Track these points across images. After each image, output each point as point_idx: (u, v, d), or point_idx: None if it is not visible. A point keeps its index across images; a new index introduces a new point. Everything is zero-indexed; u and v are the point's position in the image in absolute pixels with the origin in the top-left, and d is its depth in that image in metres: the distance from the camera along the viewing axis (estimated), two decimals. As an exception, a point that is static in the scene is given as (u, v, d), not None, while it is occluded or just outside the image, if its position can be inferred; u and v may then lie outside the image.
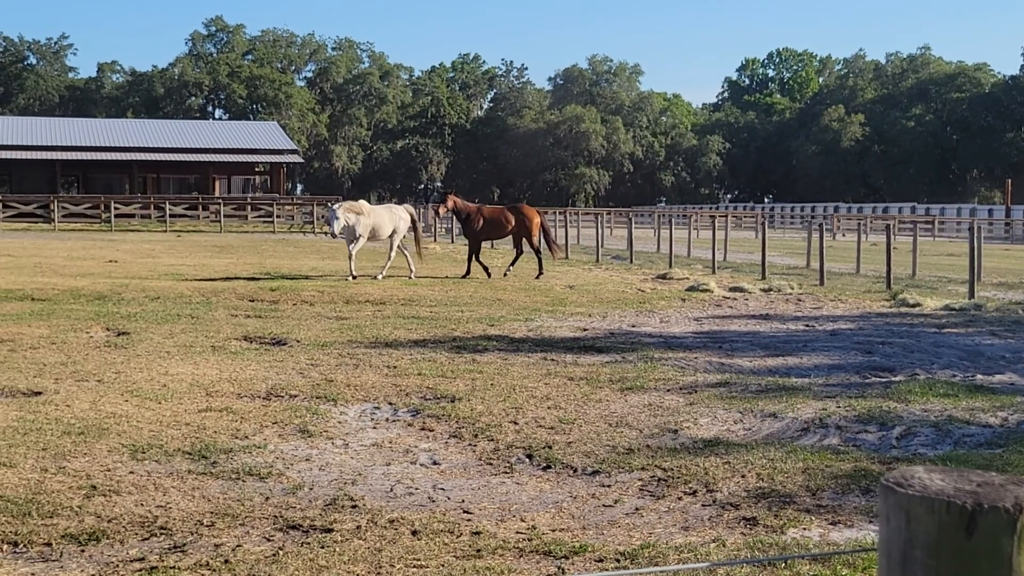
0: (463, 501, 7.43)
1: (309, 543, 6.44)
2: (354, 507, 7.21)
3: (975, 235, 24.36)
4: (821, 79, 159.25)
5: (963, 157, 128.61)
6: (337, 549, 6.33)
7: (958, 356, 14.85)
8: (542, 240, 29.63)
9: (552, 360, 13.93)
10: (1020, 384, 12.51)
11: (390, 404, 10.87)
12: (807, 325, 18.66)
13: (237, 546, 6.39)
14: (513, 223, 29.28)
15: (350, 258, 26.95)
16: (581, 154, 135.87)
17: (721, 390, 11.79)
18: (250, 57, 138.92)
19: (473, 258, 28.99)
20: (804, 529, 6.86)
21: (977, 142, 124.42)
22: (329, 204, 31.49)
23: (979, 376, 13.04)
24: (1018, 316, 20.19)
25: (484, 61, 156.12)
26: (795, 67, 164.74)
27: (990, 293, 25.11)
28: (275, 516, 6.97)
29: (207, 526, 6.76)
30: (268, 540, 6.52)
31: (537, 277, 27.75)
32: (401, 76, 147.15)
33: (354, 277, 26.22)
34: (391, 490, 7.71)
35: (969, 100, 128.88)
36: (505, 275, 28.45)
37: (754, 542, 6.54)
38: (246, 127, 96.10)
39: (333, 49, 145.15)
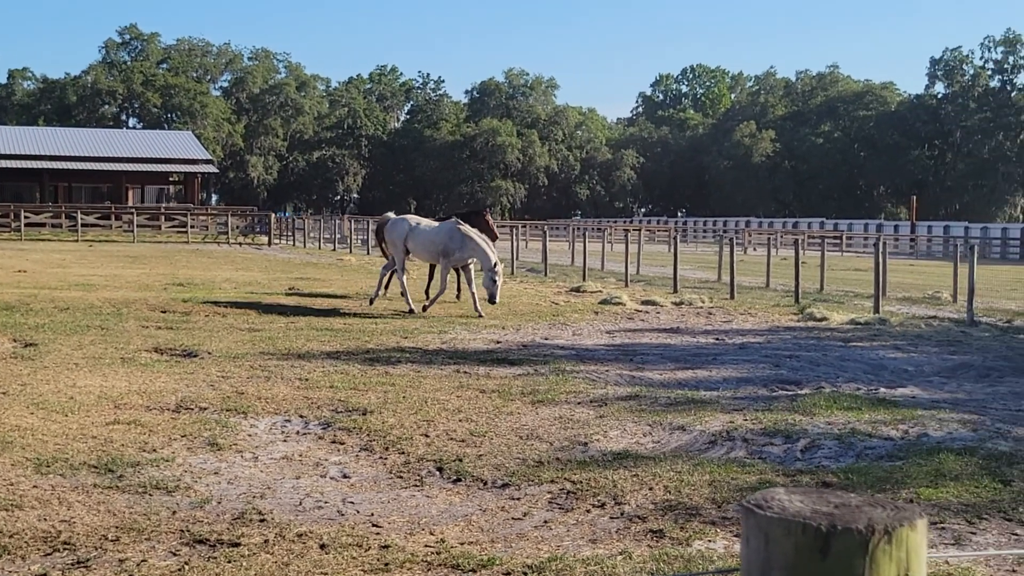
0: (373, 514, 7.43)
1: (215, 557, 6.41)
2: (262, 521, 7.18)
3: (880, 251, 24.84)
4: (733, 95, 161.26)
5: (870, 174, 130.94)
6: (244, 563, 6.30)
7: (863, 370, 15.14)
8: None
9: (465, 372, 13.97)
10: (922, 397, 12.79)
11: (301, 417, 10.83)
12: (717, 339, 18.89)
13: (142, 561, 6.34)
14: None
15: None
16: (497, 167, 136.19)
17: (631, 403, 11.91)
18: (165, 66, 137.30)
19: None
20: (709, 541, 6.96)
21: (884, 159, 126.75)
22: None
23: (882, 389, 13.32)
24: (921, 330, 20.63)
25: (401, 73, 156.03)
26: (708, 83, 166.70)
27: (895, 308, 25.61)
28: (181, 530, 6.92)
29: (112, 541, 6.70)
30: (174, 555, 6.47)
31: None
32: (318, 87, 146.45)
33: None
34: (300, 503, 7.69)
35: (876, 118, 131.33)
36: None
37: (660, 554, 6.63)
38: (160, 136, 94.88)
39: (249, 59, 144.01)
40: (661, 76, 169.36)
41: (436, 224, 23.45)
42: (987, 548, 6.94)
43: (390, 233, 23.66)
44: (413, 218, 24.05)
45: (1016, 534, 7.27)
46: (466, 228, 22.70)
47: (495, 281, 21.74)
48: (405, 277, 23.63)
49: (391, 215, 25.00)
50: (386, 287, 25.32)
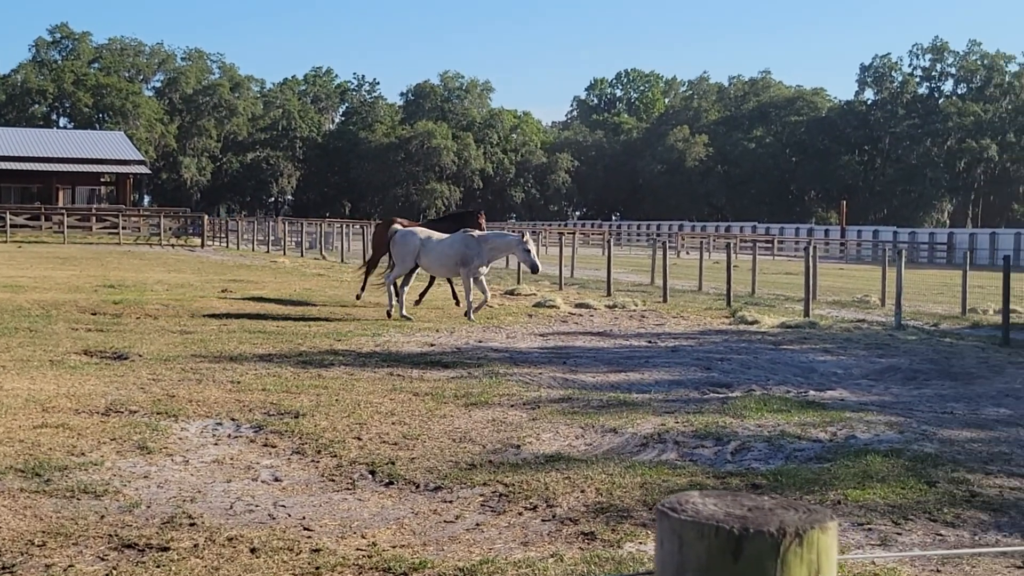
0: (304, 518, 7.40)
1: (144, 562, 6.36)
2: (192, 525, 7.13)
3: (811, 255, 25.14)
4: (667, 100, 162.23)
5: (801, 178, 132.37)
6: (173, 568, 6.26)
7: (793, 372, 15.31)
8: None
9: (398, 375, 13.96)
10: (850, 400, 12.97)
11: (233, 420, 10.76)
12: (649, 341, 19.02)
13: (69, 566, 6.27)
14: None
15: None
16: (432, 169, 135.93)
17: (564, 405, 11.96)
18: (96, 65, 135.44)
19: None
20: (640, 543, 7.01)
21: (815, 164, 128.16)
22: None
23: (812, 392, 13.49)
24: (850, 334, 20.90)
25: (336, 75, 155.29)
26: (642, 88, 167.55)
27: (825, 311, 25.92)
28: (110, 535, 6.85)
29: (38, 546, 6.62)
30: (102, 560, 6.41)
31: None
32: (252, 88, 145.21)
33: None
34: (231, 507, 7.64)
35: (807, 123, 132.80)
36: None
37: (591, 556, 6.67)
38: (92, 136, 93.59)
39: (183, 59, 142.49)
40: (596, 80, 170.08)
41: (446, 236, 22.84)
42: (912, 548, 7.05)
43: (399, 247, 22.82)
44: (422, 231, 23.27)
45: (941, 534, 7.39)
46: (478, 233, 22.62)
47: (529, 251, 21.79)
48: (407, 287, 23.16)
49: (398, 225, 24.00)
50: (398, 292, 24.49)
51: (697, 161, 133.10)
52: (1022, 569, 6.69)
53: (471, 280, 22.12)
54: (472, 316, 21.88)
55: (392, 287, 22.73)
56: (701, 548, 1.63)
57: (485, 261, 22.15)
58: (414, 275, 23.26)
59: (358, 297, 25.52)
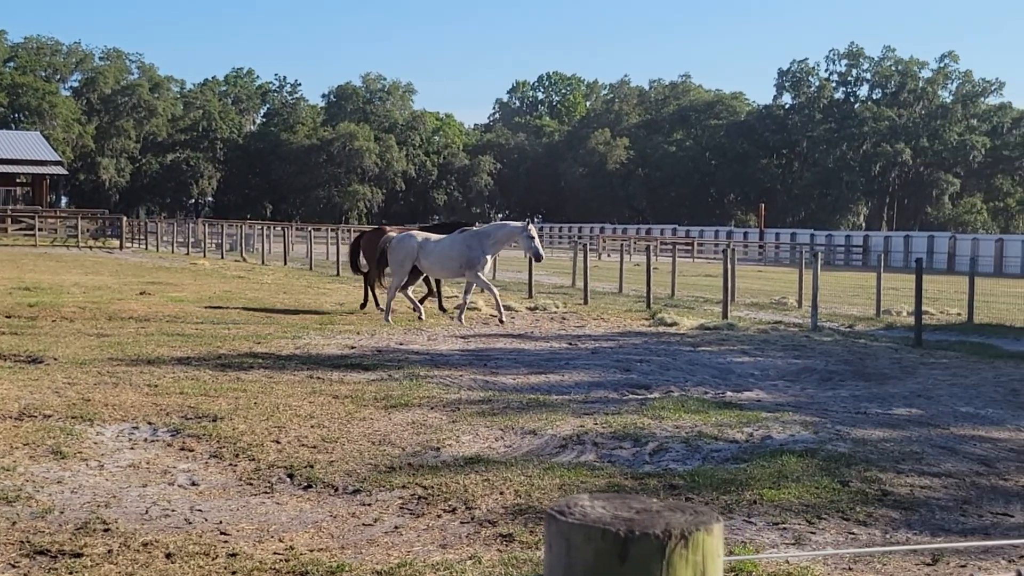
0: (221, 522, 7.35)
1: (57, 569, 6.28)
2: (107, 530, 7.05)
3: (729, 257, 25.42)
4: (588, 103, 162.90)
5: (721, 181, 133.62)
6: (86, 574, 6.19)
7: (711, 374, 15.48)
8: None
9: (318, 378, 13.90)
10: (766, 401, 13.14)
11: (150, 424, 10.65)
12: (570, 343, 19.10)
13: (-19, 573, 6.17)
14: None
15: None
16: (354, 171, 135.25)
17: (484, 407, 11.99)
18: (12, 64, 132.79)
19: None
20: (558, 543, 7.03)
21: (734, 167, 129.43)
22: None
23: (729, 393, 13.64)
24: (767, 335, 21.16)
25: (258, 76, 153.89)
26: (564, 91, 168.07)
27: (743, 313, 26.22)
28: (22, 541, 6.76)
29: (-51, 553, 6.51)
30: (13, 567, 6.32)
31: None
32: (172, 89, 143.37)
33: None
34: (146, 512, 7.57)
35: (726, 127, 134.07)
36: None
37: (509, 558, 6.69)
38: (6, 137, 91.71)
39: (101, 59, 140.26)
40: (518, 83, 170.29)
41: (444, 237, 22.59)
42: (826, 547, 7.16)
43: (396, 252, 22.46)
44: (419, 233, 23.00)
45: (853, 533, 7.52)
46: (477, 229, 22.43)
47: (532, 238, 21.69)
48: (411, 291, 23.00)
49: (392, 233, 23.68)
50: (422, 300, 23.96)
51: (618, 164, 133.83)
52: (932, 566, 6.83)
53: (481, 278, 21.96)
54: (463, 319, 21.90)
55: (407, 294, 22.64)
56: (588, 551, 1.63)
57: (488, 258, 22.09)
58: (419, 277, 23.10)
59: (362, 307, 24.61)
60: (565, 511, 1.66)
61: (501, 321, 21.83)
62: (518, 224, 22.31)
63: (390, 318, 22.09)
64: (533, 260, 23.36)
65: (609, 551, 1.62)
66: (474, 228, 22.63)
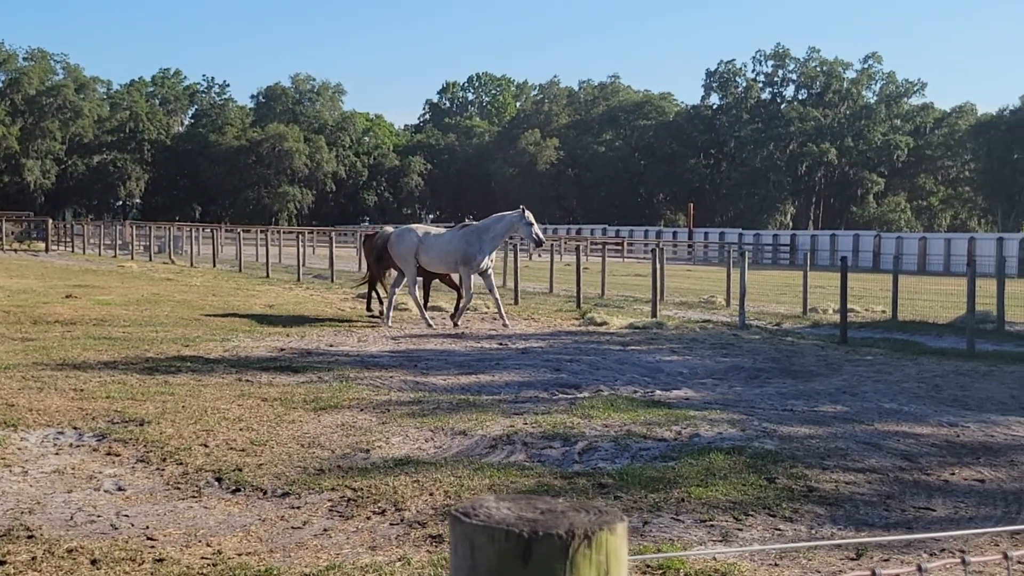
0: (147, 527, 7.29)
1: (-20, 576, 6.19)
2: (30, 537, 6.96)
3: (657, 257, 25.59)
4: (518, 104, 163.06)
5: (650, 181, 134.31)
6: (11, 581, 6.11)
7: (640, 373, 15.59)
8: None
9: (247, 381, 13.81)
10: (695, 399, 13.26)
11: (75, 429, 10.52)
12: (500, 344, 19.14)
13: (-100, 583, 6.08)
14: None
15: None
16: (284, 172, 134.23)
17: (414, 408, 11.98)
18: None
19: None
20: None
21: (663, 167, 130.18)
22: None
23: (658, 392, 13.75)
24: (696, 334, 21.35)
25: (185, 77, 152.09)
26: (494, 91, 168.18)
27: (672, 312, 26.42)
28: (-56, 550, 6.65)
29: None
30: (-65, 575, 6.23)
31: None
32: (98, 90, 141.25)
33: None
34: (71, 518, 7.48)
35: (655, 127, 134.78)
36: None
37: (438, 559, 6.70)
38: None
39: (24, 59, 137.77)
40: (448, 83, 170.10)
41: (445, 232, 22.42)
42: (752, 543, 7.24)
43: (397, 247, 22.21)
44: (419, 228, 22.73)
45: (779, 529, 7.62)
46: (477, 224, 22.20)
47: (531, 224, 21.62)
48: (419, 292, 22.68)
49: (389, 228, 23.16)
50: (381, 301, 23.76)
51: (548, 164, 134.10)
52: (856, 560, 6.93)
53: (470, 279, 21.85)
54: (459, 322, 21.70)
55: (415, 297, 22.43)
56: (492, 552, 1.63)
57: (488, 252, 21.86)
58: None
59: (368, 309, 24.43)
60: (470, 513, 1.66)
61: (456, 326, 21.63)
62: (514, 212, 22.10)
63: (391, 320, 21.98)
64: (533, 246, 23.03)
65: (513, 552, 1.62)
66: (475, 224, 22.47)
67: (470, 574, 1.64)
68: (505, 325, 21.71)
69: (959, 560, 2.05)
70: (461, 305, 22.35)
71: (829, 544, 7.09)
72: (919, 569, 1.95)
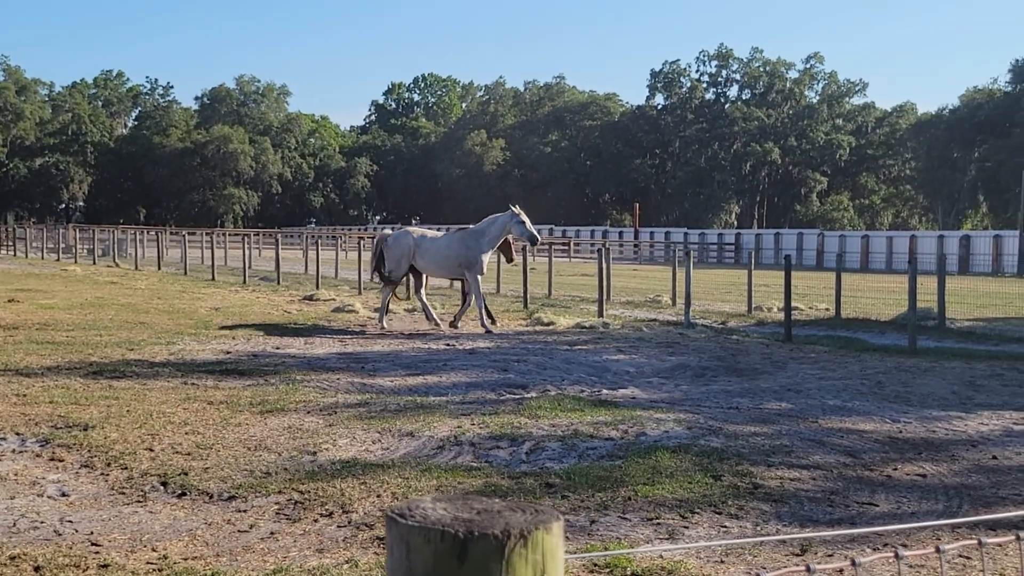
0: (92, 533, 7.23)
1: (-79, 585, 6.12)
2: (-27, 545, 6.88)
3: (604, 257, 25.69)
4: (464, 104, 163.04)
5: (596, 182, 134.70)
6: (-47, 590, 6.05)
7: (587, 372, 15.65)
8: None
9: (193, 384, 13.72)
10: (641, 398, 13.33)
11: (17, 434, 10.41)
12: (447, 344, 19.14)
13: None
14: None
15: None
16: (229, 174, 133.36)
17: (361, 410, 11.96)
18: None
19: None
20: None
21: (609, 168, 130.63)
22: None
23: (605, 391, 13.81)
24: (642, 333, 21.45)
25: (128, 78, 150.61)
26: (439, 92, 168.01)
27: (618, 311, 26.54)
28: None
29: None
30: None
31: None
32: (40, 91, 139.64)
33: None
34: (14, 525, 7.40)
35: (601, 128, 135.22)
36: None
37: (386, 562, 6.68)
38: None
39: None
40: (393, 84, 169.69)
41: (442, 235, 22.20)
42: (698, 541, 7.30)
43: (392, 249, 21.90)
44: (415, 230, 22.38)
45: (725, 526, 7.68)
46: (473, 228, 22.01)
47: (524, 222, 21.44)
48: (424, 293, 22.44)
49: (388, 231, 22.99)
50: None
51: (495, 165, 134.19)
52: (800, 556, 7.01)
53: (478, 281, 21.67)
54: (491, 325, 21.36)
55: (422, 300, 22.23)
56: (427, 553, 1.64)
57: (488, 254, 21.79)
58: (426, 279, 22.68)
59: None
60: (406, 514, 1.66)
61: (488, 330, 21.19)
62: (506, 213, 21.97)
63: (386, 322, 21.84)
64: (528, 244, 22.62)
65: (448, 553, 1.63)
66: (471, 227, 22.34)
67: (406, 575, 1.65)
68: (457, 328, 21.62)
69: (893, 554, 2.09)
70: (467, 309, 22.28)
71: (774, 541, 7.18)
72: (853, 563, 1.98)
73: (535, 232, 21.65)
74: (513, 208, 21.73)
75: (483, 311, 21.64)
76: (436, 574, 1.63)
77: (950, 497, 8.57)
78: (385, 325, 21.83)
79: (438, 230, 24.52)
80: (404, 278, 22.42)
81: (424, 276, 22.45)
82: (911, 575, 6.66)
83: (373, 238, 29.42)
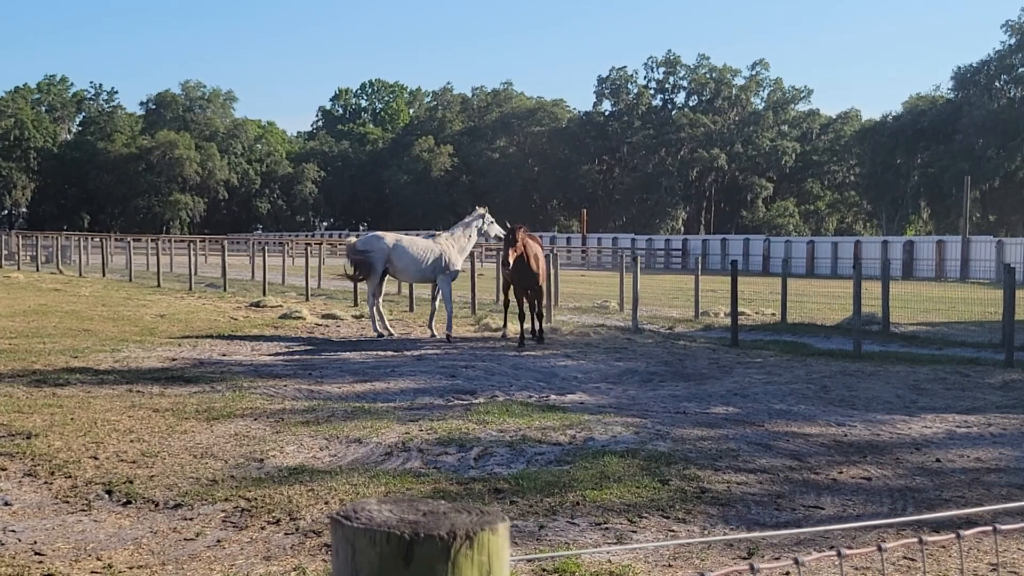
0: (35, 542, 7.14)
1: None
2: (-87, 555, 6.79)
3: (552, 263, 25.75)
4: (412, 110, 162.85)
5: (544, 188, 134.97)
6: None
7: (535, 377, 15.67)
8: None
9: (138, 392, 13.60)
10: (589, 403, 13.37)
11: (-42, 444, 10.27)
12: (396, 350, 19.11)
13: None
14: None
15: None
16: (175, 180, 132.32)
17: (308, 417, 11.91)
18: None
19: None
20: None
21: (556, 174, 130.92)
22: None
23: (553, 396, 13.84)
24: (590, 339, 21.51)
25: (72, 83, 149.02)
26: (387, 98, 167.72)
27: (566, 317, 26.60)
28: None
29: None
30: None
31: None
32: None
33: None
34: (-44, 535, 7.31)
35: (548, 134, 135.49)
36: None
37: (334, 566, 6.66)
38: None
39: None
40: (340, 90, 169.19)
41: (417, 240, 22.19)
42: (646, 545, 7.33)
43: (367, 253, 21.69)
44: (390, 235, 22.16)
45: (673, 530, 7.72)
46: (445, 233, 22.18)
47: (492, 222, 22.26)
48: (380, 301, 22.23)
49: (353, 238, 22.80)
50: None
51: (443, 171, 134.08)
52: (747, 559, 7.05)
53: (449, 286, 21.73)
54: (451, 339, 21.10)
55: (375, 307, 21.97)
56: (373, 555, 1.63)
57: (463, 258, 21.97)
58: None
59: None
60: (351, 516, 1.66)
61: (449, 339, 21.04)
62: (475, 216, 22.31)
63: (379, 326, 21.77)
64: (503, 244, 21.90)
65: (394, 554, 1.62)
66: (443, 233, 22.47)
67: None
68: (434, 333, 21.59)
69: (836, 553, 2.12)
70: (436, 312, 22.25)
71: (721, 543, 7.22)
72: (796, 563, 2.00)
73: (501, 231, 21.87)
74: (479, 209, 21.88)
75: (451, 317, 21.70)
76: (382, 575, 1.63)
77: (895, 499, 8.67)
78: (379, 330, 21.80)
79: (417, 235, 24.40)
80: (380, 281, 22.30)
81: (383, 284, 22.30)
82: (856, 576, 6.72)
83: (320, 244, 29.40)
